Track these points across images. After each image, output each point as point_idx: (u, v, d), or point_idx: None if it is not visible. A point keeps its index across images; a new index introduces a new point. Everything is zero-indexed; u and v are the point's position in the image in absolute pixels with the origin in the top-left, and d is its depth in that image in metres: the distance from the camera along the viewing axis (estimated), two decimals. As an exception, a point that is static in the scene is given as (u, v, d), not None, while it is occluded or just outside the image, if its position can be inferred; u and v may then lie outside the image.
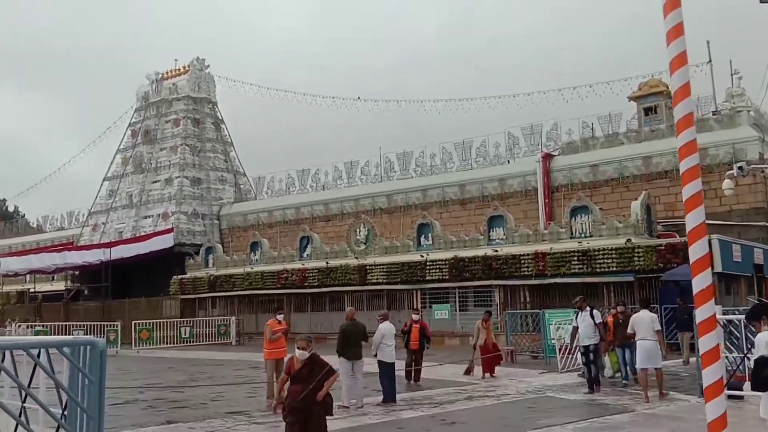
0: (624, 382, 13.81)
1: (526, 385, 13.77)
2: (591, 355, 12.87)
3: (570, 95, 34.90)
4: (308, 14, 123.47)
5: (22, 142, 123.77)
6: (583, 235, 25.77)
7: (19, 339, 9.57)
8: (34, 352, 7.14)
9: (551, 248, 25.47)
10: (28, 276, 44.81)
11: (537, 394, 12.78)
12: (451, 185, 34.10)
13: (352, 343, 12.14)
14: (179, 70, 45.98)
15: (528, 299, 25.95)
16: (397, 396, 12.70)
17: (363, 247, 31.98)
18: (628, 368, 13.81)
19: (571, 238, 25.95)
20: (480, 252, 27.45)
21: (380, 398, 12.42)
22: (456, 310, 27.67)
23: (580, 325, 13.16)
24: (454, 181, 34.14)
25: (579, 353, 13.84)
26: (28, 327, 30.33)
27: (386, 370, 12.43)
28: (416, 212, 33.15)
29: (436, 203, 34.28)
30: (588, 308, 13.25)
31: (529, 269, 25.69)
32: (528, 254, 25.85)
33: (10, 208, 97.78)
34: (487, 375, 15.54)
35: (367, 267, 30.01)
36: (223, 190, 43.63)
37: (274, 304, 33.59)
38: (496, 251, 26.96)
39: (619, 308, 14.74)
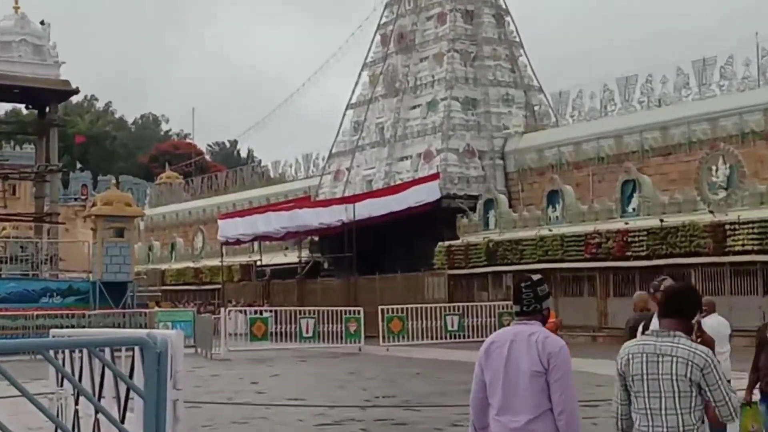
0: None
1: None
2: None
3: None
4: None
5: (259, 73, 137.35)
6: None
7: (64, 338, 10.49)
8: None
9: None
10: (255, 245, 48.99)
11: None
12: None
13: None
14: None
15: None
16: None
17: (723, 194, 30.08)
18: None
19: None
20: None
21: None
22: None
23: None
24: None
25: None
26: (241, 312, 33.14)
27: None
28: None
29: None
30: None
31: None
32: None
33: (243, 153, 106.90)
34: None
35: (727, 226, 28.21)
36: (509, 114, 43.53)
37: (582, 283, 33.17)
38: None
39: None
